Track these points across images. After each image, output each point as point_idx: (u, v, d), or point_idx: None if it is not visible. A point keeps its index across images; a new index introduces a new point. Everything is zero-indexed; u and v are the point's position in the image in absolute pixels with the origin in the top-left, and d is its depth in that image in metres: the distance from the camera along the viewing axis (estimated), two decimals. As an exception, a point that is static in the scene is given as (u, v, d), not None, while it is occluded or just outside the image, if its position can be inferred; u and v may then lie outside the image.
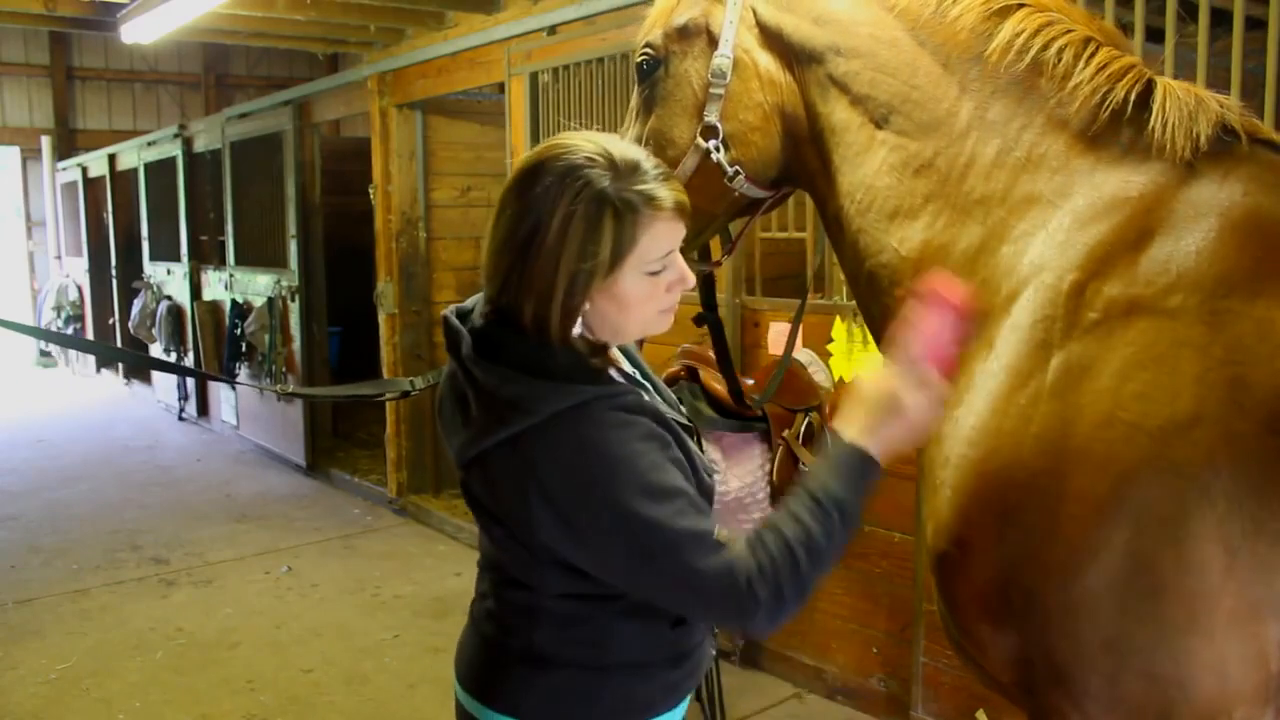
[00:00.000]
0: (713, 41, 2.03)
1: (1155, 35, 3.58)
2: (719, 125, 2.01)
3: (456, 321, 1.65)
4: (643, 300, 1.58)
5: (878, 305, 1.94)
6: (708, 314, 2.34)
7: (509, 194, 1.57)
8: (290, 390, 2.58)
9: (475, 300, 1.71)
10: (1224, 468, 1.43)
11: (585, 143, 1.56)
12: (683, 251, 2.15)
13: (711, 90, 2.01)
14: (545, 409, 1.49)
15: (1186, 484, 1.44)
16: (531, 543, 1.55)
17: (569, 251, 1.50)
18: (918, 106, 1.84)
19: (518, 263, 1.53)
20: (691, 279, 1.63)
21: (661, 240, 1.55)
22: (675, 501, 1.48)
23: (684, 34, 2.06)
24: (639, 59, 2.13)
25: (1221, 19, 3.36)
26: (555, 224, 1.50)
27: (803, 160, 2.05)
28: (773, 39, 2.00)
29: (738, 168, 2.03)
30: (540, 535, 1.51)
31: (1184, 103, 1.67)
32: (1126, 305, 1.56)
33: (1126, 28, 3.47)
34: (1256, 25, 3.35)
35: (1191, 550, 1.44)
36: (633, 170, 1.53)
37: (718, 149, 2.01)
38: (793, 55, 1.99)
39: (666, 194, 1.54)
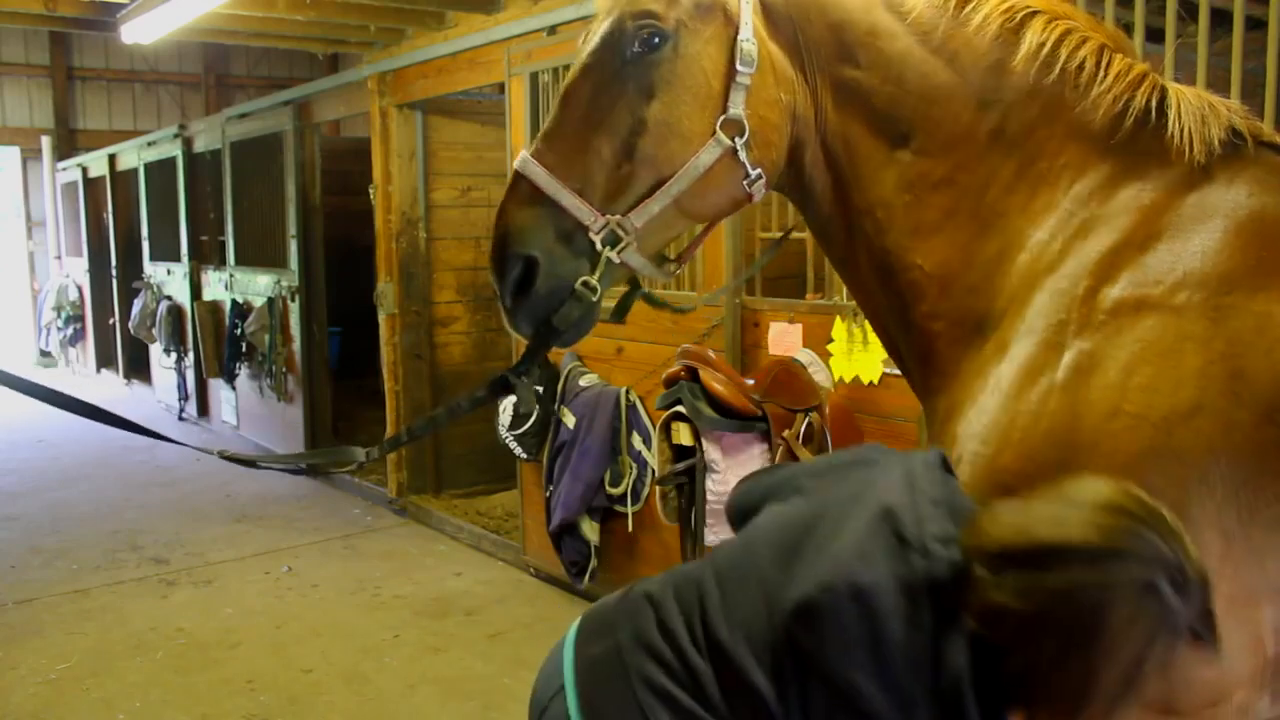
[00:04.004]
0: (729, 22, 1.83)
1: (1155, 35, 3.58)
2: (745, 120, 1.82)
3: (940, 574, 1.35)
4: None
5: (899, 323, 1.92)
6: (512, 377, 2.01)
7: (1062, 567, 1.30)
8: (229, 456, 2.12)
9: (929, 538, 1.41)
10: (1222, 455, 1.48)
11: (1168, 534, 1.31)
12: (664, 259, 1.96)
13: (738, 79, 1.81)
14: None
15: (1188, 471, 1.49)
16: None
17: (1110, 678, 1.28)
18: (937, 124, 1.81)
19: (1056, 656, 1.30)
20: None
21: (1180, 673, 1.35)
22: None
23: (700, 9, 1.83)
24: (639, 30, 1.81)
25: (1221, 19, 3.37)
26: (1103, 646, 1.27)
27: (800, 169, 1.94)
28: (782, 32, 1.86)
29: (759, 170, 1.86)
30: None
31: (1197, 108, 1.71)
32: (1136, 304, 1.60)
33: (1127, 28, 3.47)
34: (1256, 25, 3.36)
35: (1192, 536, 1.46)
36: (1197, 587, 1.30)
37: (745, 147, 1.83)
38: (803, 55, 1.88)
39: (1210, 622, 1.32)
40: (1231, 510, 1.47)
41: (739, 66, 1.80)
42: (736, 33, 1.81)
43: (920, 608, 1.35)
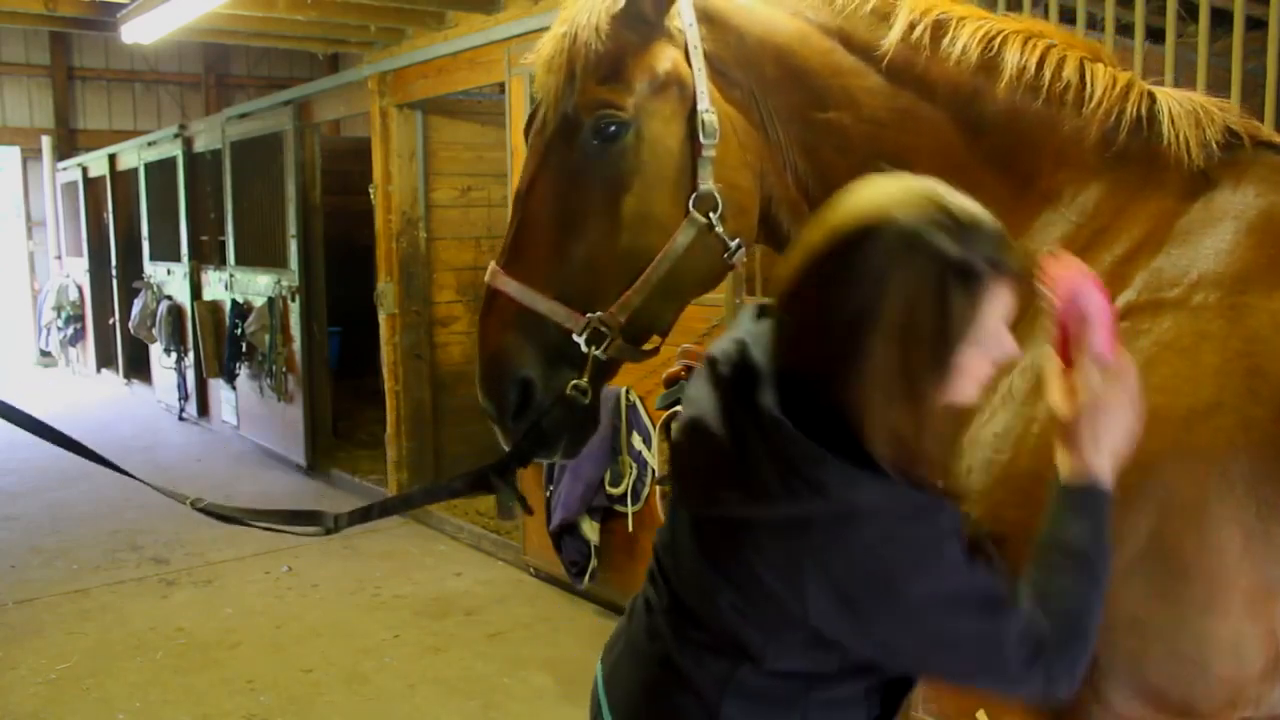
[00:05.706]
0: (685, 95, 1.79)
1: (1155, 35, 3.58)
2: (716, 194, 1.78)
3: (753, 358, 1.45)
4: (969, 375, 1.38)
5: None
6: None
7: (832, 261, 1.36)
8: (202, 506, 2.12)
9: (739, 339, 1.51)
10: (1242, 452, 1.50)
11: (918, 197, 1.35)
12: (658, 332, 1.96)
13: (704, 152, 1.77)
14: (855, 501, 1.34)
15: (1208, 468, 1.50)
16: (782, 617, 1.41)
17: (919, 340, 1.32)
18: (921, 155, 1.78)
19: (851, 353, 1.33)
20: (1015, 348, 1.42)
21: (1002, 309, 1.37)
22: (976, 601, 1.38)
23: (655, 87, 1.79)
24: (598, 122, 1.77)
25: (1221, 19, 3.37)
26: (899, 307, 1.31)
27: (775, 223, 1.91)
28: (738, 88, 1.83)
29: (738, 239, 1.83)
30: (810, 615, 1.38)
31: (1189, 112, 1.72)
32: (1152, 307, 1.62)
33: (1127, 28, 3.48)
34: (1256, 25, 3.36)
35: (1212, 532, 1.49)
36: (973, 228, 1.34)
37: (720, 220, 1.79)
38: (761, 109, 1.84)
39: (1008, 256, 1.36)
40: (1251, 506, 1.49)
41: (703, 140, 1.76)
42: (694, 104, 1.78)
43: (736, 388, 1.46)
